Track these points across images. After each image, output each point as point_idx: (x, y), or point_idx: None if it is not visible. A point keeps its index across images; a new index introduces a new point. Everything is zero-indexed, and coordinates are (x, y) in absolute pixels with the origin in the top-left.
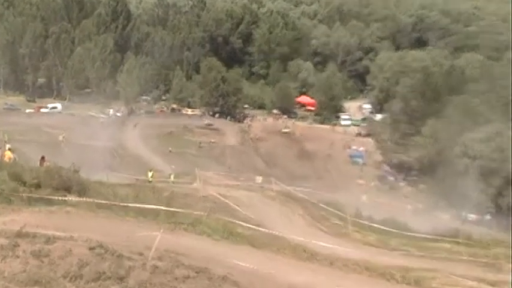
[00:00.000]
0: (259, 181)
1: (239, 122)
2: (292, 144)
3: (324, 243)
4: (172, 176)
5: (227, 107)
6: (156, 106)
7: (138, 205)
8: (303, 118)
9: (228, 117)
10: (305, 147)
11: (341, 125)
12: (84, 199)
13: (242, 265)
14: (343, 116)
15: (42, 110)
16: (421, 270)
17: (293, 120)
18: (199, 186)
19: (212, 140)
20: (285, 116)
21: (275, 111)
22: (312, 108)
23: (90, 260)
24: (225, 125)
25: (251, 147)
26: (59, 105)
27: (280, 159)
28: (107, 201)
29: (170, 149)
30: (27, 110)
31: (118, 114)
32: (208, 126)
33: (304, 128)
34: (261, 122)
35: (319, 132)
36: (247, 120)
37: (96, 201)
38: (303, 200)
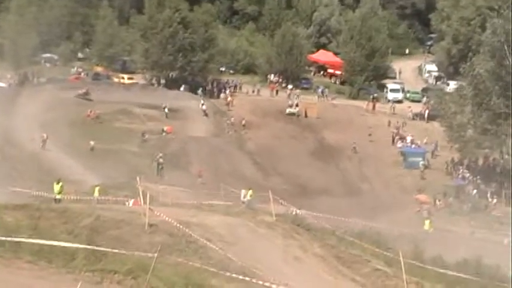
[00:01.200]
0: (247, 198)
1: (212, 96)
2: (303, 134)
3: None
4: (96, 190)
5: (191, 70)
6: (72, 70)
7: (37, 241)
8: (322, 90)
9: (196, 89)
10: (325, 140)
11: (387, 101)
12: None
13: None
14: (391, 85)
15: None
16: None
17: (299, 92)
18: (144, 207)
19: (165, 129)
20: (291, 87)
21: (273, 77)
22: (337, 73)
23: None
24: (187, 101)
25: (233, 139)
26: None
27: (282, 160)
28: None
29: (92, 143)
30: None
31: (0, 84)
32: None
33: (323, 106)
34: (249, 97)
35: (350, 114)
36: (225, 94)
37: None
38: (323, 231)
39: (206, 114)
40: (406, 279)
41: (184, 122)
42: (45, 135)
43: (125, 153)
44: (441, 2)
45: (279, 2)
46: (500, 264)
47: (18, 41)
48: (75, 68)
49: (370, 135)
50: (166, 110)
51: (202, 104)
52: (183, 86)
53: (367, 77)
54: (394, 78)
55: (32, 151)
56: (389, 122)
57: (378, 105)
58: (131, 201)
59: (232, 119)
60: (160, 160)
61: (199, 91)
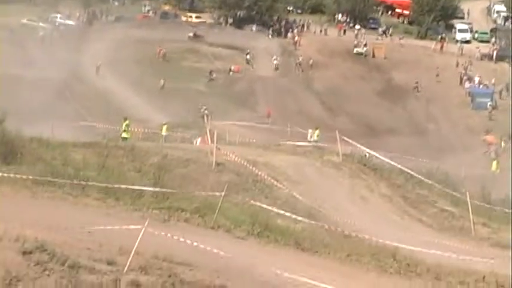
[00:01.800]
0: (315, 138)
1: (279, 35)
2: (370, 74)
3: (427, 245)
4: (164, 129)
5: (258, 9)
6: (144, 9)
7: (105, 180)
8: (389, 30)
9: (262, 28)
10: (392, 80)
11: (455, 42)
12: (13, 169)
13: (288, 278)
14: (459, 25)
15: None
16: None
17: (364, 31)
18: (211, 146)
19: (233, 68)
20: (358, 27)
21: (340, 17)
22: (405, 13)
23: (23, 272)
24: (254, 40)
25: (300, 79)
26: None
27: (349, 100)
28: (51, 173)
29: (162, 82)
30: None
31: (70, 22)
32: None
33: (391, 46)
34: (316, 37)
35: (417, 54)
36: (292, 33)
37: (33, 173)
38: (389, 171)
39: (277, 68)
40: (472, 219)
41: (252, 61)
42: (99, 63)
43: (193, 92)
44: None
45: None
46: None
47: None
48: (145, 7)
49: (437, 75)
50: (248, 56)
51: (275, 59)
52: (254, 25)
53: (435, 17)
54: (463, 18)
55: (100, 88)
56: (457, 63)
57: (445, 45)
58: (198, 140)
59: (300, 58)
60: (206, 112)
61: (270, 32)
